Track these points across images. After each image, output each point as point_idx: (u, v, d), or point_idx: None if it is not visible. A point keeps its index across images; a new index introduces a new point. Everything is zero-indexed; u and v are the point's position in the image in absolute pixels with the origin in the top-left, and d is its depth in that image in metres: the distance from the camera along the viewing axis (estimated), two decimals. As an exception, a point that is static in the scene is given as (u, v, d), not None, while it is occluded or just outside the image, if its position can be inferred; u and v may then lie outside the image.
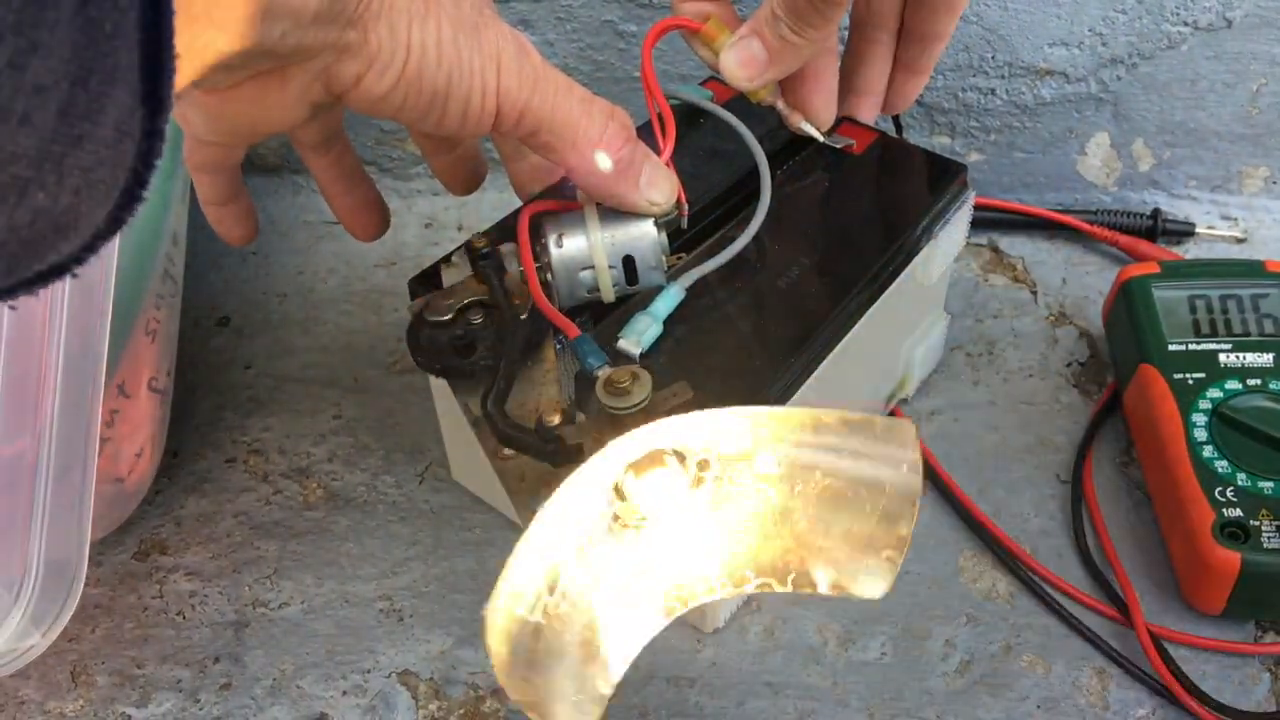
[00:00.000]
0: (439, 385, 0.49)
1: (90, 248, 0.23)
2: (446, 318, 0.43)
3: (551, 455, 0.38)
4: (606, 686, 0.37)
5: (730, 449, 0.37)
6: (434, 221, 0.73)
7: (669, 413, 0.36)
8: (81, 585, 0.45)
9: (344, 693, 0.50)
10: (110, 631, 0.52)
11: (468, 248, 0.44)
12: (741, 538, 0.38)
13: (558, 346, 0.43)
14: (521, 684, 0.34)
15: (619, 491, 0.36)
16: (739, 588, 0.38)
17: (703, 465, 0.37)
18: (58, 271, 0.23)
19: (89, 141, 0.21)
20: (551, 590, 0.35)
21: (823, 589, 0.38)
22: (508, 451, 0.40)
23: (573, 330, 0.41)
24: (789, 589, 0.38)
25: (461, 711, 0.49)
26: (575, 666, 0.36)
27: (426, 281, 0.46)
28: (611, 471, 0.36)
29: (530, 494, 0.40)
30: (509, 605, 0.34)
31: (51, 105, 0.20)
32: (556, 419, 0.38)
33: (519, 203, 0.47)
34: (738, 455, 0.37)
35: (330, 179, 0.47)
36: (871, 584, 0.37)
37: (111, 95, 0.21)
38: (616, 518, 0.37)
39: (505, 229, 0.46)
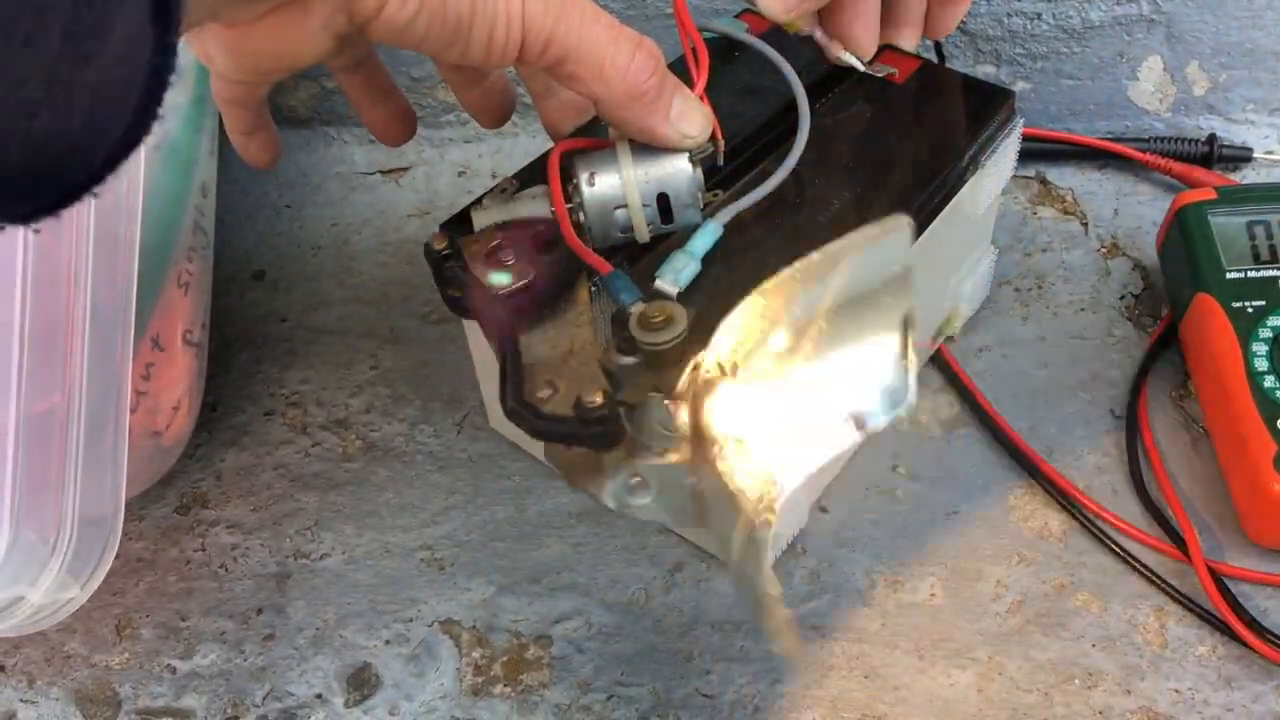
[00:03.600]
0: (473, 331, 0.49)
1: (107, 167, 0.23)
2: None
3: (597, 440, 0.37)
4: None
5: (752, 343, 0.36)
6: (467, 169, 0.72)
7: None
8: (119, 537, 0.45)
9: (386, 642, 0.49)
10: (154, 585, 0.52)
11: (427, 251, 0.43)
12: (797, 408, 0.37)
13: (592, 289, 0.42)
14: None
15: (704, 435, 0.35)
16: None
17: (732, 369, 0.36)
18: (77, 192, 0.23)
19: (98, 60, 0.21)
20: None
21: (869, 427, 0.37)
22: (543, 394, 0.39)
23: (605, 266, 0.40)
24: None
25: (505, 659, 0.49)
26: None
27: (457, 226, 0.45)
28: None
29: (572, 465, 0.39)
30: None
31: (55, 25, 0.20)
32: (599, 399, 0.37)
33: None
34: (757, 347, 0.36)
35: (359, 94, 0.46)
36: (898, 394, 0.36)
37: (119, 13, 0.21)
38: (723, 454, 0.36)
39: (535, 171, 0.45)
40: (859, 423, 0.37)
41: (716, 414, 0.35)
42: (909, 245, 0.35)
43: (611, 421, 0.37)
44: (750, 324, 0.35)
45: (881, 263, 0.36)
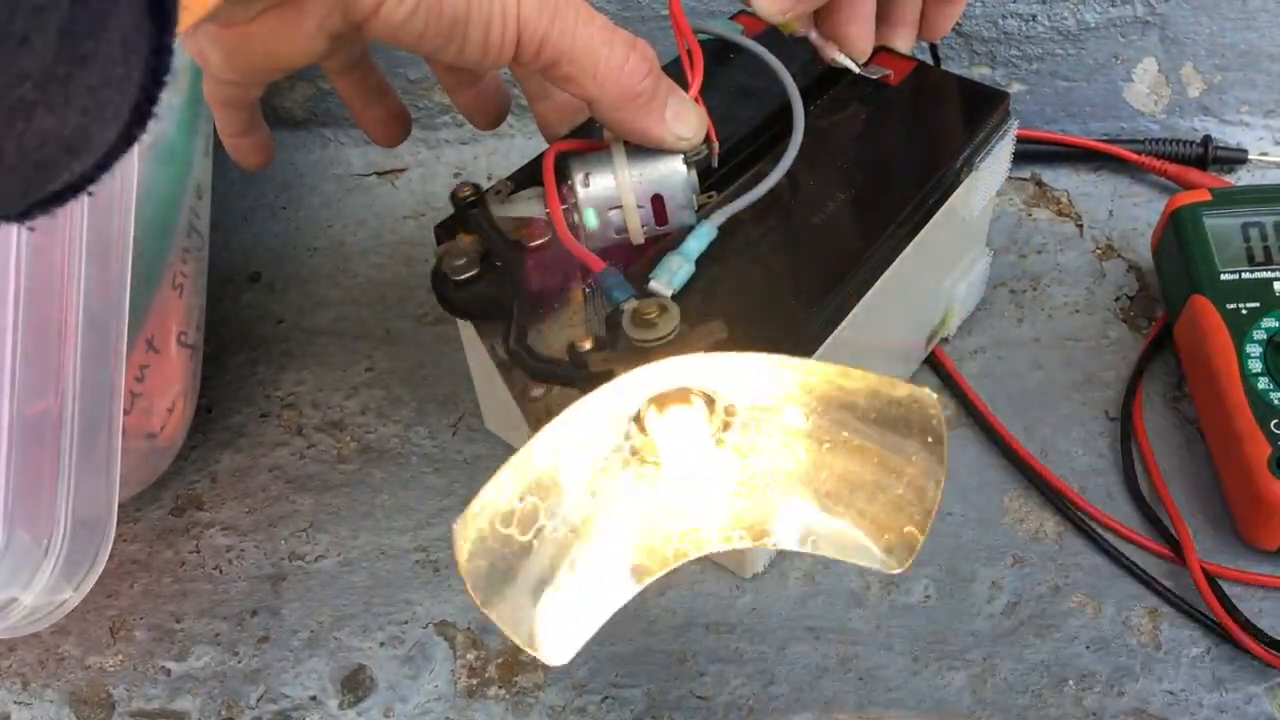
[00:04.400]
0: (468, 333, 0.49)
1: (103, 166, 0.23)
2: (469, 263, 0.42)
3: (583, 381, 0.37)
4: (593, 623, 0.36)
5: (759, 398, 0.35)
6: (463, 170, 0.71)
7: (701, 351, 0.35)
8: (112, 539, 0.45)
9: (381, 644, 0.49)
10: (148, 587, 0.52)
11: (452, 198, 0.43)
12: (764, 491, 0.37)
13: (586, 290, 0.42)
14: (496, 598, 0.33)
15: (640, 423, 0.35)
16: (757, 541, 0.37)
17: (730, 411, 0.36)
18: (72, 191, 0.23)
19: (94, 60, 0.21)
20: (552, 513, 0.34)
21: (842, 556, 0.37)
22: (535, 392, 0.39)
23: (598, 264, 0.40)
24: (807, 551, 0.37)
25: (500, 661, 0.49)
26: (562, 595, 0.35)
27: (452, 227, 0.45)
28: (632, 401, 0.35)
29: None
30: (492, 519, 0.33)
31: (51, 25, 0.20)
32: (588, 345, 0.37)
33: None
34: (766, 406, 0.35)
35: (354, 95, 0.46)
36: (891, 560, 0.36)
37: (115, 12, 0.21)
38: (635, 451, 0.36)
39: (531, 173, 0.45)
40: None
41: (659, 430, 0.35)
42: (941, 427, 0.35)
43: (594, 365, 0.37)
44: (757, 379, 0.35)
45: (912, 425, 0.35)
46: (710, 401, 0.35)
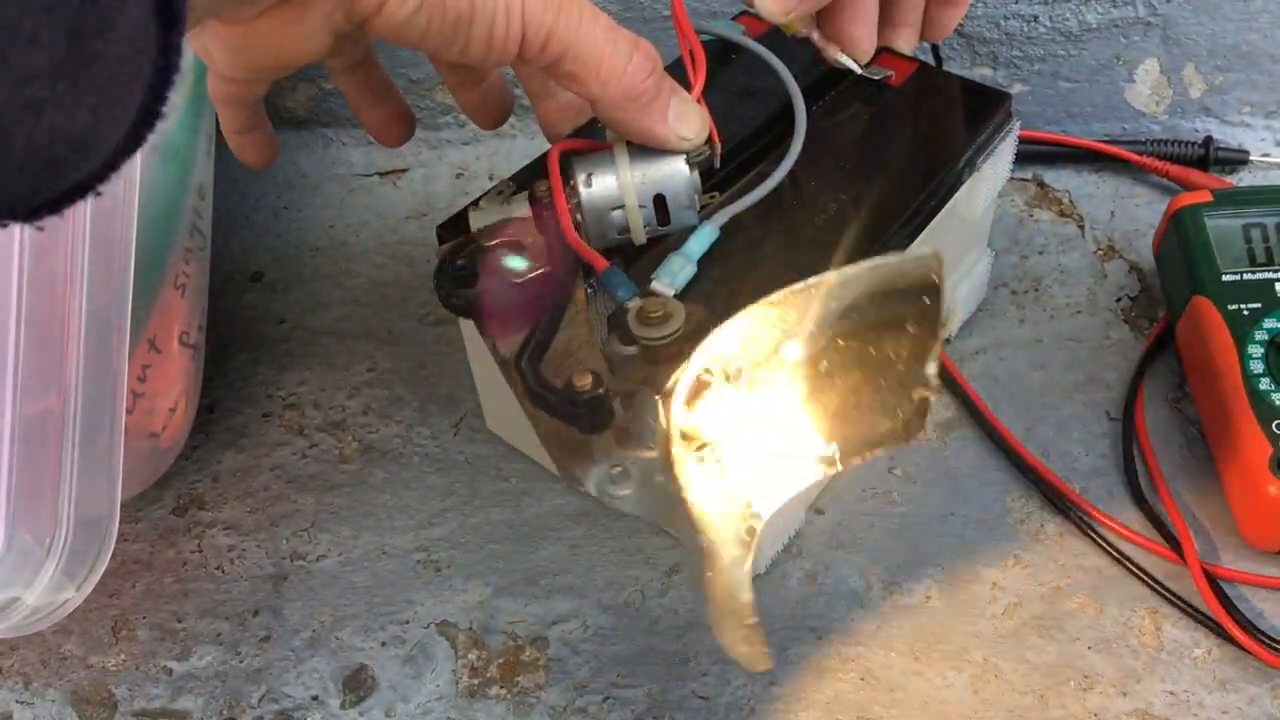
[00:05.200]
0: (470, 332, 0.49)
1: (111, 166, 0.23)
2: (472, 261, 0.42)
3: (579, 421, 0.37)
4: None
5: (760, 349, 0.36)
6: (465, 171, 0.72)
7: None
8: (114, 539, 0.45)
9: (383, 644, 0.49)
10: (150, 586, 0.52)
11: (440, 266, 0.43)
12: (790, 426, 0.37)
13: (588, 290, 0.42)
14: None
15: (684, 437, 0.35)
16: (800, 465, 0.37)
17: (735, 375, 0.36)
18: (80, 190, 0.23)
19: (102, 59, 0.21)
20: None
21: (868, 453, 0.37)
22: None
23: (601, 262, 0.40)
24: (838, 470, 0.37)
25: (501, 661, 0.49)
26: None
27: (454, 227, 0.45)
28: (676, 414, 0.35)
29: (562, 447, 0.39)
30: None
31: (61, 24, 0.20)
32: (587, 381, 0.37)
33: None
34: (765, 356, 0.36)
35: (358, 94, 0.46)
36: (911, 430, 0.36)
37: (123, 11, 0.21)
38: (701, 458, 0.36)
39: (533, 172, 0.45)
40: (830, 461, 0.37)
41: (702, 418, 0.35)
42: (940, 282, 0.35)
43: (598, 405, 0.37)
44: (755, 329, 0.35)
45: (906, 292, 0.35)
46: (725, 375, 0.36)
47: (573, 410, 0.37)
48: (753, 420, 0.36)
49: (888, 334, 0.35)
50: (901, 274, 0.34)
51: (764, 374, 0.36)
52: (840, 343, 0.36)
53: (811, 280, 0.35)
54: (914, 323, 0.35)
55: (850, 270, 0.34)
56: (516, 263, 0.41)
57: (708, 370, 0.35)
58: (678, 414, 0.35)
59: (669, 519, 0.39)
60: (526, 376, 0.38)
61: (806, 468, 0.38)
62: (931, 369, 0.35)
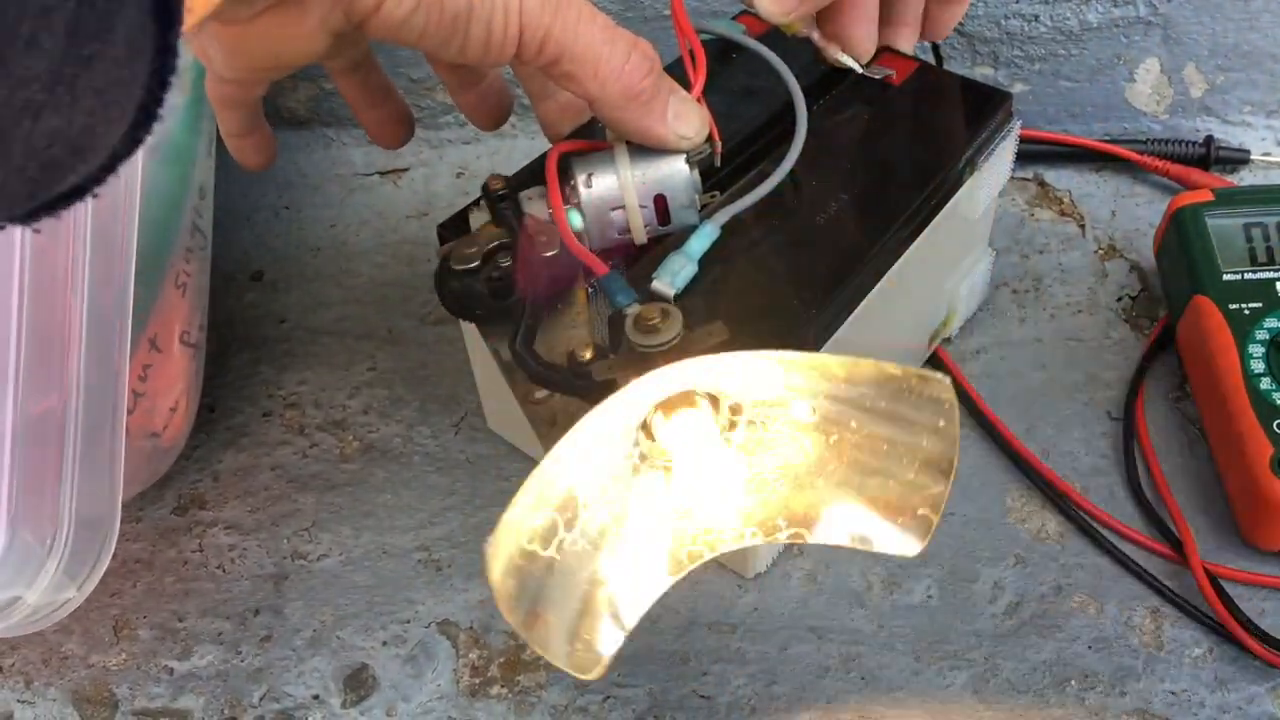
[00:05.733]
0: (471, 333, 0.49)
1: (108, 168, 0.23)
2: (474, 263, 0.42)
3: (584, 391, 0.37)
4: (620, 632, 0.36)
5: (764, 394, 0.36)
6: (465, 170, 0.72)
7: (703, 353, 0.35)
8: (115, 539, 0.45)
9: (384, 643, 0.49)
10: (151, 586, 0.52)
11: (484, 191, 0.43)
12: (774, 487, 0.37)
13: (589, 290, 0.42)
14: (529, 618, 0.34)
15: (647, 430, 0.35)
16: (769, 537, 0.37)
17: (735, 410, 0.36)
18: (78, 193, 0.23)
19: (100, 61, 0.21)
20: (570, 526, 0.34)
21: (855, 544, 0.37)
22: (539, 395, 0.39)
23: (601, 267, 0.40)
24: (821, 541, 0.37)
25: (502, 660, 0.49)
26: (588, 607, 0.35)
27: (455, 227, 0.45)
28: (639, 409, 0.35)
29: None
30: (517, 537, 0.33)
31: (58, 26, 0.20)
32: (589, 354, 0.37)
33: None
34: (772, 401, 0.36)
35: (357, 96, 0.46)
36: (905, 542, 0.36)
37: (120, 13, 0.21)
38: (644, 457, 0.36)
39: (534, 173, 0.45)
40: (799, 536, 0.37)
41: (668, 433, 0.35)
42: (953, 406, 0.35)
43: (596, 375, 0.37)
44: (759, 377, 0.35)
45: (919, 403, 0.35)
46: (715, 401, 0.36)
47: (576, 381, 0.37)
48: (723, 461, 0.37)
49: (901, 435, 0.35)
50: (909, 386, 0.34)
51: (768, 420, 0.36)
52: (854, 424, 0.35)
53: (824, 355, 0.35)
54: (929, 438, 0.35)
55: (865, 361, 0.34)
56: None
57: (705, 394, 0.35)
58: (652, 418, 0.35)
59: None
60: (525, 359, 0.38)
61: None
62: (941, 489, 0.35)
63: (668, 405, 0.35)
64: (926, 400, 0.34)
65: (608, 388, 0.35)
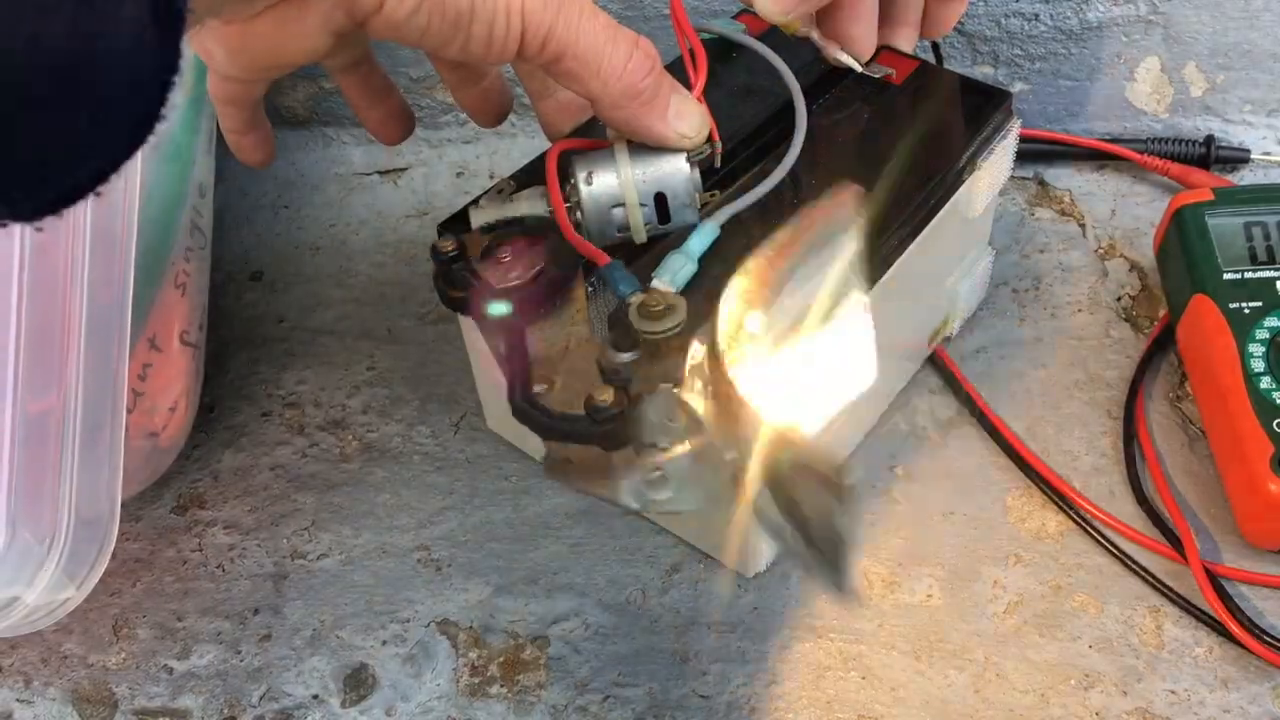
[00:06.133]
0: (470, 331, 0.49)
1: (111, 168, 0.23)
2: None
3: (607, 439, 0.37)
4: None
5: (729, 329, 0.36)
6: (465, 170, 0.72)
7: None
8: (114, 538, 0.45)
9: (383, 642, 0.49)
10: (150, 585, 0.52)
11: (433, 254, 0.43)
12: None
13: (588, 288, 0.42)
14: None
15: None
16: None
17: (737, 343, 0.36)
18: (80, 192, 0.23)
19: (101, 62, 0.21)
20: None
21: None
22: (537, 389, 0.39)
23: (603, 258, 0.40)
24: None
25: (502, 659, 0.49)
26: None
27: (455, 225, 0.45)
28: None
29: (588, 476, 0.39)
30: None
31: (58, 25, 0.20)
32: (608, 396, 0.37)
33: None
34: (736, 331, 0.36)
35: (357, 94, 0.46)
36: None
37: (121, 13, 0.21)
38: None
39: (534, 171, 0.45)
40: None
41: (738, 383, 0.35)
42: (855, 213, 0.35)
43: (621, 419, 0.37)
44: (741, 303, 0.36)
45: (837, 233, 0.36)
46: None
47: (595, 429, 0.37)
48: (774, 374, 0.37)
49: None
50: (827, 218, 0.36)
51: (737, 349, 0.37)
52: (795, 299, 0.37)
53: (765, 247, 0.36)
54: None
55: (784, 230, 0.36)
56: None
57: (715, 347, 0.36)
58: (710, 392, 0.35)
59: (724, 497, 0.39)
60: (530, 414, 0.38)
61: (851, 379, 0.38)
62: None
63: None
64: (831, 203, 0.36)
65: (629, 433, 0.35)
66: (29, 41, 0.20)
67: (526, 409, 0.38)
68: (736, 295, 0.36)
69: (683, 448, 0.38)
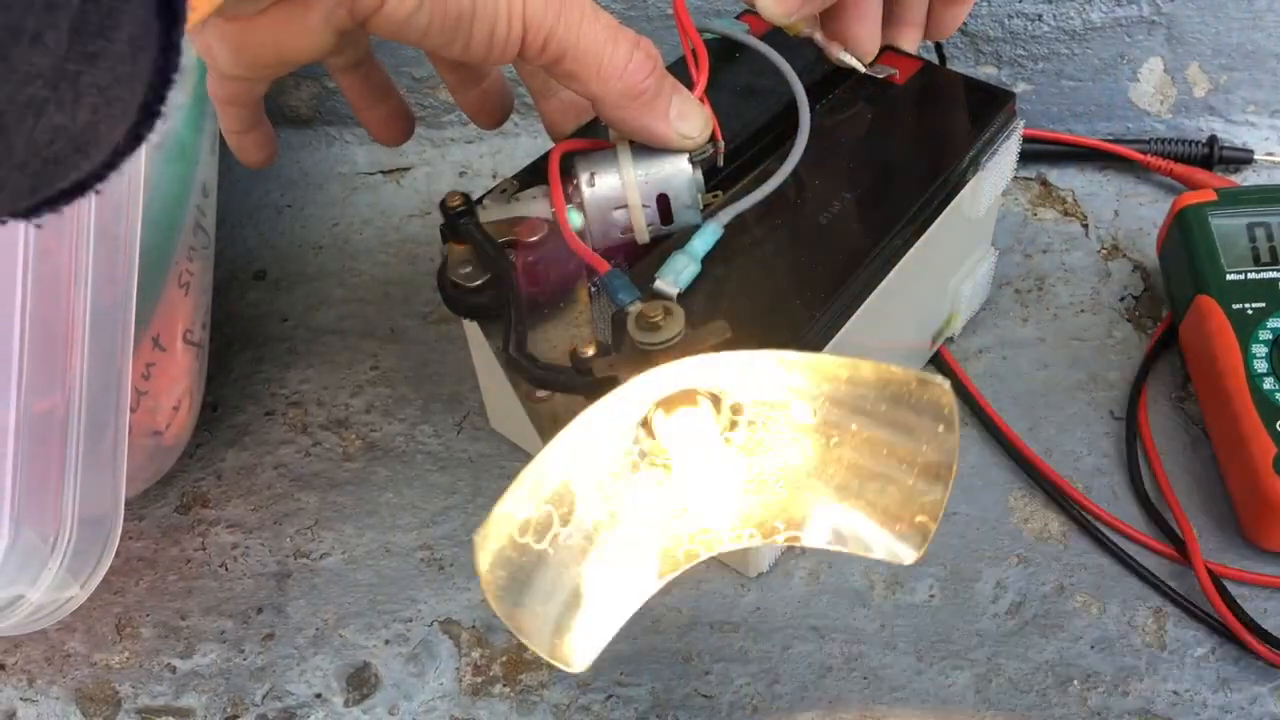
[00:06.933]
0: (473, 331, 0.49)
1: (111, 164, 0.23)
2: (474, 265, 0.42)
3: (586, 388, 0.37)
4: (608, 630, 0.36)
5: (765, 395, 0.35)
6: (468, 169, 0.72)
7: (706, 351, 0.35)
8: (118, 537, 0.45)
9: (386, 642, 0.49)
10: (154, 584, 0.52)
11: (441, 208, 0.43)
12: (773, 488, 0.37)
13: (591, 289, 0.42)
14: (516, 610, 0.33)
15: (648, 427, 0.35)
16: (768, 538, 0.37)
17: (736, 409, 0.36)
18: (80, 189, 0.23)
19: (104, 58, 0.21)
20: (565, 520, 0.34)
21: (853, 549, 0.37)
22: (541, 394, 0.39)
23: (603, 265, 0.40)
24: (818, 545, 0.37)
25: (504, 659, 0.49)
26: (576, 601, 0.35)
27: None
28: (640, 406, 0.35)
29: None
30: (509, 529, 0.33)
31: (63, 22, 0.20)
32: (590, 350, 0.37)
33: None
34: (773, 402, 0.35)
35: (358, 94, 0.47)
36: (903, 549, 0.36)
37: (125, 10, 0.21)
38: (644, 454, 0.36)
39: (536, 172, 0.45)
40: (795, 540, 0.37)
41: (668, 431, 0.35)
42: (952, 412, 0.34)
43: (598, 371, 0.37)
44: (761, 376, 0.35)
45: (919, 406, 0.35)
46: (716, 401, 0.35)
47: (579, 380, 0.37)
48: (723, 461, 0.36)
49: (901, 440, 0.35)
50: (909, 389, 0.34)
51: (769, 421, 0.36)
52: (854, 427, 0.35)
53: (825, 356, 0.35)
54: (928, 444, 0.34)
55: (865, 363, 0.34)
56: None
57: (706, 393, 0.35)
58: (653, 415, 0.35)
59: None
60: (521, 362, 0.38)
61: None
62: (940, 495, 0.35)
63: (669, 403, 0.35)
64: (927, 404, 0.34)
65: (609, 384, 0.35)
66: (33, 39, 0.20)
67: (517, 357, 0.38)
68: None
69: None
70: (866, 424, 0.35)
